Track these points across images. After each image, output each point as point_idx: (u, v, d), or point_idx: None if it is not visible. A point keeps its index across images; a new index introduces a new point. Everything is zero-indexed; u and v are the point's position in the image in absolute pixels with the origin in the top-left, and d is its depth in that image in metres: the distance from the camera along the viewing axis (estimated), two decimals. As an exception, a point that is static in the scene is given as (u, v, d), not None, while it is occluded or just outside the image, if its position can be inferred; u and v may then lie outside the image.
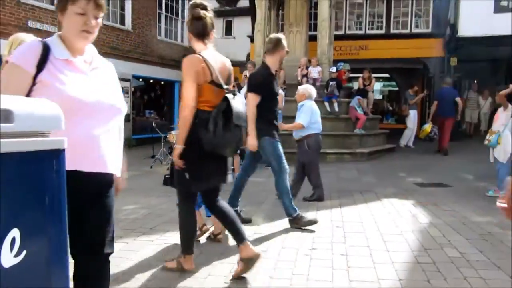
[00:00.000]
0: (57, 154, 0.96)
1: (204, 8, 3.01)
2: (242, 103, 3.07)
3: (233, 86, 3.18)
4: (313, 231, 4.30)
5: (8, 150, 0.82)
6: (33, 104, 0.95)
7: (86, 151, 1.77)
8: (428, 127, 10.64)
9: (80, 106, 1.76)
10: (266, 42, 4.38)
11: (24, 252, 0.87)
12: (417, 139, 11.94)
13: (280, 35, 4.44)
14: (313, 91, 5.98)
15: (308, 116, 5.66)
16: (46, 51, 1.76)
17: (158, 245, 3.91)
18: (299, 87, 6.13)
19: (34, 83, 1.71)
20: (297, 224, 4.39)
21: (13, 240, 0.85)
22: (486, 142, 5.96)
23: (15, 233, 0.84)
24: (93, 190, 1.86)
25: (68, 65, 1.80)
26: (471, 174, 7.66)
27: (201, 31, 2.99)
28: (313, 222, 4.41)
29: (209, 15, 3.01)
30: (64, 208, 0.98)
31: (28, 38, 2.69)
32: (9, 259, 0.84)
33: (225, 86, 2.97)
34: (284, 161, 4.45)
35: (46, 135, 0.94)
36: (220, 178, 3.14)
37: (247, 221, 4.51)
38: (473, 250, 3.68)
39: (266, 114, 4.27)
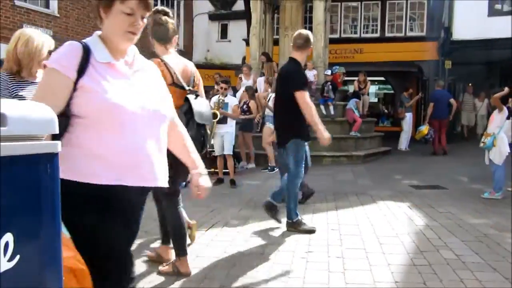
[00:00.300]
0: (51, 158, 0.95)
1: (166, 14, 3.15)
2: (205, 103, 3.19)
3: (196, 88, 3.26)
4: (311, 232, 4.30)
5: (2, 154, 0.81)
6: (27, 107, 0.94)
7: (131, 163, 1.64)
8: (425, 129, 10.72)
9: (123, 114, 1.62)
10: (295, 38, 4.35)
11: (18, 256, 0.86)
12: (412, 141, 11.99)
13: (309, 31, 4.46)
14: None
15: None
16: (87, 54, 1.62)
17: (153, 248, 3.89)
18: None
19: (74, 89, 1.58)
20: (295, 229, 4.38)
21: (6, 245, 0.83)
22: (481, 144, 6.00)
23: (8, 237, 0.83)
24: (135, 204, 1.81)
25: (110, 69, 1.67)
26: (466, 176, 7.69)
27: (163, 37, 3.15)
28: (311, 231, 4.37)
29: (170, 21, 3.15)
30: (58, 212, 0.97)
31: (35, 34, 2.64)
32: (3, 264, 0.83)
33: (187, 88, 3.08)
34: (303, 166, 4.43)
35: (39, 139, 0.93)
36: (184, 177, 3.12)
37: (279, 221, 4.53)
38: (469, 252, 3.69)
39: (300, 112, 4.22)
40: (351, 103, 10.71)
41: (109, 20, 1.67)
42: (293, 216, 4.41)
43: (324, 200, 5.88)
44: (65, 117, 1.57)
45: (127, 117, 1.62)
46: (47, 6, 11.13)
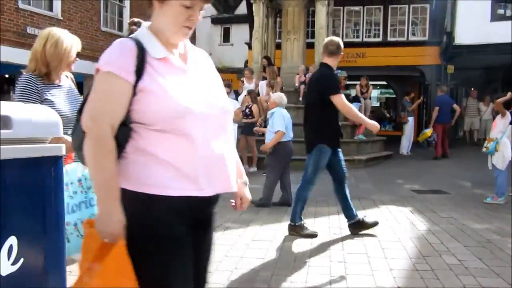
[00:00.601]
0: (55, 161, 0.95)
1: (137, 24, 3.28)
2: None
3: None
4: (313, 237, 4.29)
5: (6, 157, 0.81)
6: (32, 111, 0.94)
7: (207, 169, 1.48)
8: (429, 131, 10.72)
9: (192, 116, 1.45)
10: (327, 44, 4.43)
11: (22, 260, 0.86)
12: (413, 146, 11.97)
13: (339, 39, 4.55)
14: (284, 99, 6.07)
15: (282, 122, 5.71)
16: (141, 52, 1.43)
17: (155, 252, 3.88)
18: (272, 95, 6.25)
19: (133, 93, 1.40)
20: (297, 232, 4.37)
21: (10, 248, 0.83)
22: (484, 149, 5.98)
23: (12, 240, 0.83)
24: (207, 214, 1.67)
25: (167, 65, 1.49)
26: (469, 181, 7.66)
27: None
28: (313, 235, 4.37)
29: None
30: (61, 215, 0.97)
31: (65, 34, 2.53)
32: (7, 267, 0.83)
33: None
34: (319, 175, 4.49)
35: (44, 142, 0.93)
36: None
37: (374, 224, 4.50)
38: (471, 257, 3.67)
39: (329, 118, 4.26)
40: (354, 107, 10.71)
41: (164, 12, 1.48)
42: (297, 220, 4.40)
43: (326, 204, 5.85)
44: (125, 127, 1.40)
45: (197, 118, 1.46)
46: (50, 9, 11.17)
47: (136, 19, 3.35)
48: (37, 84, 2.45)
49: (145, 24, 1.57)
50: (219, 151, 1.52)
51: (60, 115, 2.45)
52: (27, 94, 2.41)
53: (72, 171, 2.28)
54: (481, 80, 13.66)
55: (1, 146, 0.79)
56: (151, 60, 1.44)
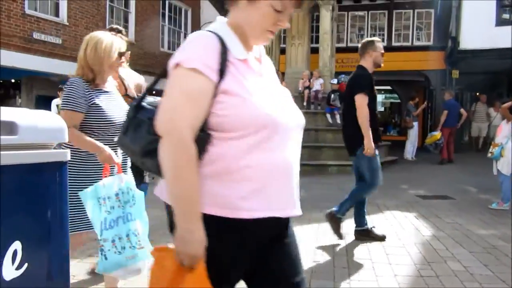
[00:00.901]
0: (60, 166, 0.95)
1: (119, 32, 3.44)
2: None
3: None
4: (383, 238, 4.33)
5: (12, 162, 0.81)
6: (37, 116, 0.95)
7: (283, 187, 1.33)
8: (438, 134, 10.69)
9: (276, 125, 1.29)
10: (360, 47, 4.41)
11: (26, 264, 0.87)
12: (418, 150, 11.93)
13: (371, 38, 4.46)
14: None
15: None
16: (225, 49, 1.28)
17: (159, 257, 3.88)
18: None
19: (214, 95, 1.24)
20: (367, 236, 4.35)
21: (14, 253, 0.84)
22: (489, 154, 5.95)
23: (17, 245, 0.84)
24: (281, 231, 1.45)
25: (246, 67, 1.33)
26: (474, 186, 7.62)
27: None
28: (383, 238, 4.33)
29: (124, 38, 3.36)
30: (66, 220, 0.97)
31: (104, 35, 2.47)
32: (11, 272, 0.83)
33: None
34: (379, 176, 4.33)
35: (49, 147, 0.94)
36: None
37: (381, 238, 4.36)
38: (477, 264, 3.65)
39: (368, 117, 4.11)
40: None
41: (249, 11, 1.32)
42: (363, 223, 4.40)
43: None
44: (203, 132, 1.24)
45: (280, 129, 1.30)
46: (56, 14, 11.27)
47: (115, 26, 3.52)
48: (84, 89, 2.42)
49: (220, 19, 1.42)
50: (294, 168, 1.37)
51: (108, 121, 2.43)
52: (73, 98, 2.36)
53: (109, 185, 2.25)
54: (486, 85, 13.61)
55: (6, 152, 0.80)
56: (233, 59, 1.29)
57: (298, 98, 11.01)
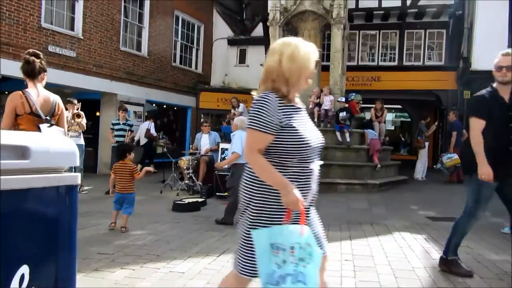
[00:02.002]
0: (70, 190, 0.95)
1: (36, 55, 3.63)
2: (59, 131, 3.55)
3: (57, 117, 3.72)
4: (468, 275, 3.92)
5: (22, 187, 0.82)
6: (49, 140, 0.95)
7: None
8: (458, 157, 10.59)
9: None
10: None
11: (33, 289, 0.86)
12: (428, 171, 11.81)
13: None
14: (245, 122, 6.27)
15: (240, 145, 5.90)
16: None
17: (165, 273, 3.86)
18: (235, 119, 6.48)
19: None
20: (448, 268, 3.97)
21: (22, 277, 0.83)
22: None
23: (24, 270, 0.83)
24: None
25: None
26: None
27: (29, 73, 3.60)
28: (467, 274, 3.87)
29: (37, 60, 3.60)
30: (74, 245, 0.97)
31: (300, 42, 2.16)
32: (17, 296, 0.83)
33: (44, 117, 3.49)
34: (483, 207, 3.95)
35: (60, 171, 0.94)
36: None
37: (465, 274, 3.90)
38: (488, 290, 3.56)
39: (492, 139, 3.64)
40: (373, 133, 10.67)
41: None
42: (449, 254, 3.99)
43: (338, 229, 5.78)
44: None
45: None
46: (72, 28, 11.48)
47: (32, 50, 3.71)
48: (277, 106, 2.05)
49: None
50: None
51: (303, 145, 2.04)
52: (264, 117, 2.01)
53: (287, 234, 1.93)
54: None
55: (18, 176, 0.80)
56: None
57: (309, 116, 11.01)
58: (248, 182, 2.14)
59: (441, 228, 5.99)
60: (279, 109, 2.04)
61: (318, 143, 2.15)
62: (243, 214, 2.16)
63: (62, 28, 11.15)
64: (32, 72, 3.59)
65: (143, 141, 11.73)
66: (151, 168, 5.84)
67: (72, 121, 8.41)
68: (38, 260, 0.88)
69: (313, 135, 2.14)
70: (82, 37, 11.61)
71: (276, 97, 2.06)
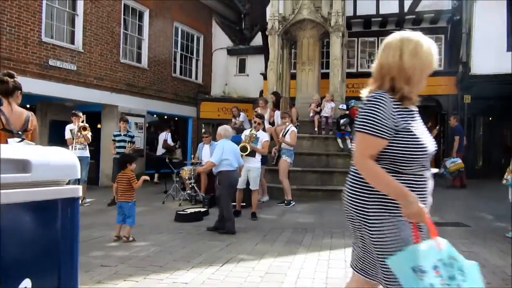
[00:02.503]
0: (72, 202, 0.96)
1: (10, 75, 3.75)
2: (27, 144, 3.67)
3: (30, 132, 3.78)
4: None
5: (24, 200, 0.82)
6: (50, 153, 0.95)
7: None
8: (460, 162, 10.62)
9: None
10: None
11: (35, 303, 0.85)
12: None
13: None
14: (229, 132, 6.51)
15: (218, 155, 6.06)
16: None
17: (168, 284, 3.84)
18: (219, 128, 6.52)
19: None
20: None
21: (24, 291, 0.83)
22: (504, 181, 5.85)
23: (26, 283, 0.83)
24: None
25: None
26: (489, 213, 7.46)
27: (4, 91, 3.72)
28: None
29: (11, 80, 3.73)
30: (76, 257, 0.97)
31: (420, 36, 1.94)
32: (20, 310, 0.82)
33: (15, 132, 3.55)
34: None
35: (61, 184, 0.94)
36: None
37: None
38: (494, 296, 3.53)
39: None
40: None
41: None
42: None
43: (342, 236, 5.75)
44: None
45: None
46: (72, 42, 11.55)
47: (6, 71, 3.82)
48: (392, 107, 1.85)
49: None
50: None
51: (421, 150, 1.85)
52: (378, 120, 1.82)
53: (425, 252, 1.72)
54: (498, 110, 13.50)
55: (19, 190, 0.80)
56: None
57: (309, 123, 11.02)
58: (357, 192, 1.92)
59: (445, 233, 5.94)
60: (394, 111, 1.84)
61: (433, 149, 1.96)
62: (359, 230, 1.94)
63: (62, 42, 11.21)
64: (6, 91, 3.73)
65: (161, 151, 12.05)
66: (146, 177, 5.83)
67: (79, 133, 8.45)
68: (40, 273, 0.88)
69: (429, 140, 1.94)
70: (83, 50, 11.68)
71: (391, 98, 1.86)
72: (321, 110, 11.02)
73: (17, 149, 0.83)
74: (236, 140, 8.29)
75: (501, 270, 4.23)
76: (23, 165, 0.82)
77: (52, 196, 0.91)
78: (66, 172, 0.96)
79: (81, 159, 6.81)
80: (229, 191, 6.29)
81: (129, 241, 5.45)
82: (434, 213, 7.28)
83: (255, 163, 7.27)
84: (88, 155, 8.79)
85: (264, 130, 9.05)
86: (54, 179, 0.92)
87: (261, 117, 7.94)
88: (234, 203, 7.53)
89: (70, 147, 8.60)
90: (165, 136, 12.52)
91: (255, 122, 7.58)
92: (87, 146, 8.71)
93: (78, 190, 0.98)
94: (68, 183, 0.96)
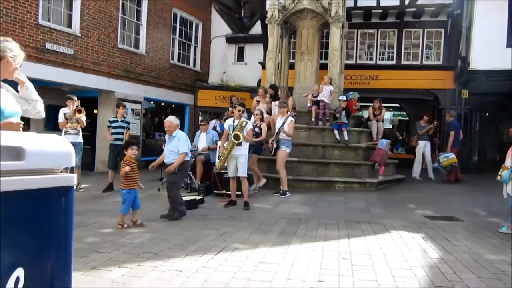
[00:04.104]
0: (66, 192, 0.94)
1: None
2: None
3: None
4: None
5: (17, 188, 0.80)
6: (44, 141, 0.93)
7: None
8: (454, 157, 10.66)
9: None
10: None
11: (28, 291, 0.85)
12: (423, 171, 11.80)
13: None
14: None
15: (187, 144, 6.37)
16: None
17: (162, 271, 3.85)
18: (171, 119, 6.57)
19: None
20: None
21: (17, 280, 0.82)
22: (498, 177, 5.87)
23: (19, 272, 0.82)
24: None
25: None
26: (483, 208, 7.51)
27: None
28: None
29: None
30: (70, 247, 0.96)
31: None
32: (12, 299, 0.81)
33: None
34: None
35: (55, 172, 0.93)
36: None
37: None
38: (485, 290, 3.57)
39: None
40: (383, 143, 10.45)
41: None
42: None
43: (336, 228, 5.79)
44: None
45: None
46: (69, 25, 11.41)
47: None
48: None
49: None
50: None
51: None
52: None
53: None
54: (496, 106, 13.52)
55: (12, 178, 0.78)
56: None
57: (307, 114, 11.00)
58: None
59: (438, 227, 6.00)
60: None
61: None
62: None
63: (59, 26, 11.08)
64: None
65: None
66: (127, 168, 5.80)
67: (73, 116, 8.37)
68: (34, 262, 0.87)
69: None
70: (80, 35, 11.55)
71: None
72: (318, 94, 10.93)
73: (10, 136, 0.81)
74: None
75: (492, 265, 4.27)
76: (16, 153, 0.80)
77: (46, 184, 0.90)
78: (60, 160, 0.94)
79: (74, 144, 6.77)
80: (183, 178, 6.75)
81: (122, 228, 5.47)
82: (428, 206, 7.34)
83: (242, 150, 7.30)
84: (81, 140, 8.74)
85: (262, 120, 9.04)
86: (48, 167, 0.90)
87: (243, 105, 7.96)
88: (229, 193, 7.55)
89: (63, 130, 8.54)
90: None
91: (238, 110, 7.59)
92: (80, 131, 8.65)
93: (73, 179, 0.96)
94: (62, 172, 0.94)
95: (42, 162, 0.88)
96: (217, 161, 7.95)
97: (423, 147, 11.62)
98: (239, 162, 7.24)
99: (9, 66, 2.69)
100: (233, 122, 7.53)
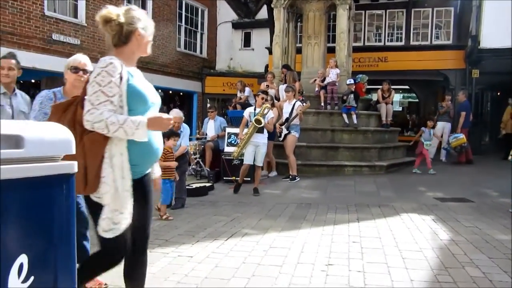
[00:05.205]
0: (67, 179, 0.95)
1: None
2: None
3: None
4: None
5: (18, 176, 0.81)
6: (44, 129, 0.94)
7: None
8: (463, 137, 10.53)
9: None
10: None
11: (32, 278, 0.86)
12: (436, 152, 11.69)
13: None
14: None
15: (188, 138, 6.60)
16: None
17: (173, 257, 3.90)
18: (176, 112, 6.44)
19: None
20: None
21: (21, 266, 0.83)
22: (510, 157, 5.81)
23: (23, 259, 0.83)
24: None
25: None
26: (494, 189, 7.45)
27: None
28: None
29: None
30: (73, 233, 0.97)
31: None
32: (17, 285, 0.83)
33: None
34: None
35: (56, 160, 0.93)
36: None
37: None
38: (496, 270, 3.55)
39: None
40: (427, 136, 9.74)
41: None
42: None
43: (346, 211, 5.79)
44: None
45: None
46: (75, 15, 11.43)
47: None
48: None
49: None
50: None
51: None
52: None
53: None
54: (507, 85, 13.30)
55: (12, 166, 0.79)
56: None
57: (315, 98, 10.93)
58: None
59: (449, 209, 5.97)
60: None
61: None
62: None
63: (65, 16, 11.10)
64: None
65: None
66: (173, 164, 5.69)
67: None
68: (37, 249, 0.89)
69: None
70: (86, 25, 11.56)
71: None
72: (324, 78, 10.83)
73: (10, 124, 0.81)
74: (238, 115, 8.20)
75: (503, 245, 4.24)
76: (15, 141, 0.81)
77: (47, 172, 0.90)
78: (60, 147, 0.94)
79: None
80: (185, 167, 6.81)
81: (162, 218, 5.38)
82: (438, 188, 7.29)
83: (264, 138, 7.24)
84: None
85: (273, 105, 8.98)
86: (48, 155, 0.91)
87: (266, 93, 7.87)
88: (237, 179, 7.54)
89: None
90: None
91: (262, 98, 7.52)
92: None
93: (74, 166, 0.97)
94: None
95: (41, 150, 0.88)
96: (234, 148, 7.84)
97: (442, 128, 11.38)
98: (260, 151, 7.15)
99: (142, 40, 2.28)
100: (254, 110, 7.48)
